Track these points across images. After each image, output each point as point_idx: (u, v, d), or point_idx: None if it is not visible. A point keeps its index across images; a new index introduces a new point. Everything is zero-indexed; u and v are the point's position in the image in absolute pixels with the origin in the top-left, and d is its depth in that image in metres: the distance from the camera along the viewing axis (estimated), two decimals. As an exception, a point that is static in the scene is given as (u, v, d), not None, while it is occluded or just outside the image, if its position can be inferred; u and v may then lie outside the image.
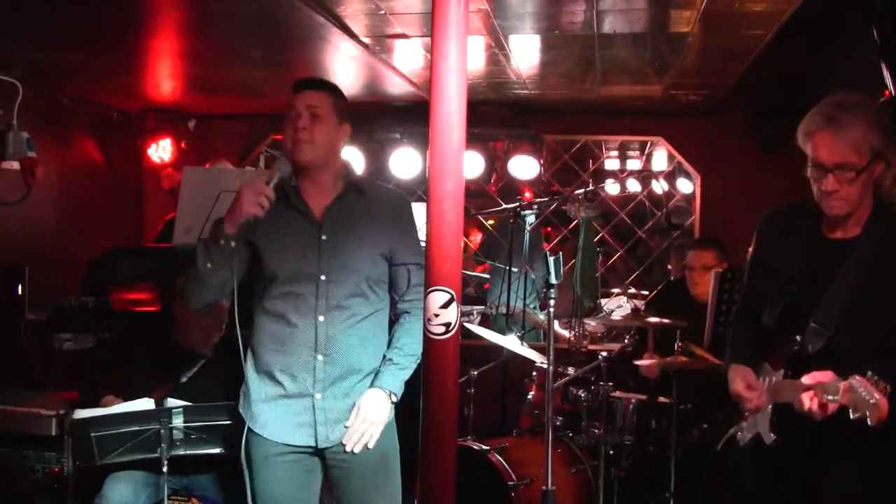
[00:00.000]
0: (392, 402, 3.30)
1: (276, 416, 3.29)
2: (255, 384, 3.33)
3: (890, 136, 2.91)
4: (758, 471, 3.16)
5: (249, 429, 3.29)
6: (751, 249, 3.40)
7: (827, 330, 2.93)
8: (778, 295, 3.12)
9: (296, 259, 3.25)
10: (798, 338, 2.98)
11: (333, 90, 3.32)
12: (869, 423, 2.59)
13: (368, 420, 3.24)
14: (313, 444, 3.27)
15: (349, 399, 3.27)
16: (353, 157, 6.45)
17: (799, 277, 3.06)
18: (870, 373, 2.64)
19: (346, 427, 3.26)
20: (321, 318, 3.23)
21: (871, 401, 2.59)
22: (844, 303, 2.91)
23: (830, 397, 2.75)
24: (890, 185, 2.97)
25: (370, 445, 3.26)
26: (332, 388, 3.25)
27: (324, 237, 3.25)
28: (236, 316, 3.15)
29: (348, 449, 3.25)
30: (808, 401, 2.82)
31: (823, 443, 2.94)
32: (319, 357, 3.24)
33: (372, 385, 3.28)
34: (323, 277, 3.23)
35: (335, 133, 3.27)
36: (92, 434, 3.75)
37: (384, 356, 3.34)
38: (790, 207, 3.22)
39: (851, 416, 2.67)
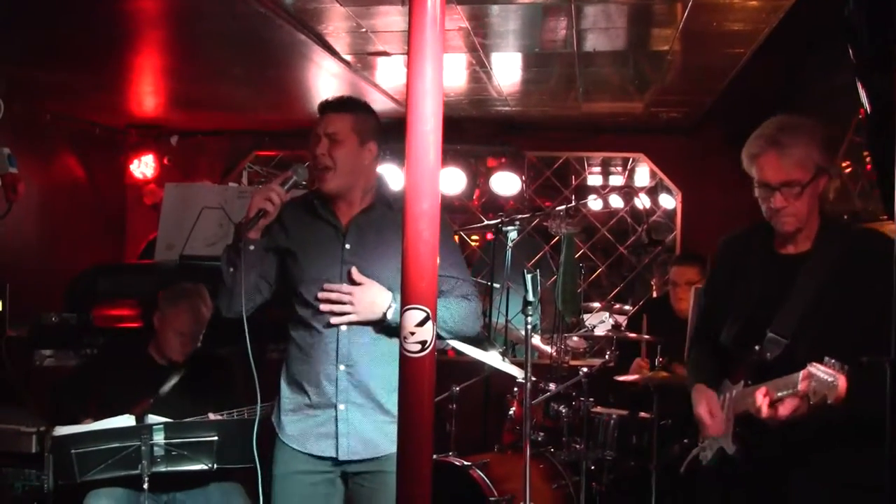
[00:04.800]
0: (386, 316, 3.15)
1: (301, 426, 3.28)
2: (285, 394, 3.34)
3: (830, 151, 3.02)
4: (725, 486, 3.20)
5: (279, 439, 3.31)
6: (708, 273, 3.47)
7: (784, 338, 2.99)
8: (736, 313, 3.19)
9: (319, 267, 3.25)
10: (756, 348, 3.04)
11: (356, 109, 3.26)
12: (829, 401, 2.63)
13: (357, 297, 3.16)
14: (334, 455, 3.23)
15: (373, 412, 3.23)
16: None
17: (755, 294, 3.13)
18: (827, 358, 2.69)
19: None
20: (343, 328, 3.19)
21: (829, 380, 2.63)
22: (801, 313, 2.98)
23: (787, 392, 2.81)
24: (834, 199, 3.05)
25: (333, 321, 3.19)
26: (356, 400, 3.23)
27: (347, 246, 3.25)
28: (246, 326, 3.07)
29: (320, 296, 3.19)
30: (761, 398, 2.88)
31: (787, 451, 2.98)
32: (342, 367, 3.21)
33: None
34: (344, 286, 3.22)
35: (356, 155, 3.23)
36: (72, 451, 3.76)
37: None
38: (744, 231, 3.32)
39: (812, 402, 2.71)
